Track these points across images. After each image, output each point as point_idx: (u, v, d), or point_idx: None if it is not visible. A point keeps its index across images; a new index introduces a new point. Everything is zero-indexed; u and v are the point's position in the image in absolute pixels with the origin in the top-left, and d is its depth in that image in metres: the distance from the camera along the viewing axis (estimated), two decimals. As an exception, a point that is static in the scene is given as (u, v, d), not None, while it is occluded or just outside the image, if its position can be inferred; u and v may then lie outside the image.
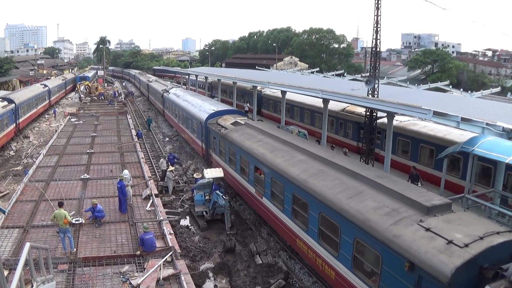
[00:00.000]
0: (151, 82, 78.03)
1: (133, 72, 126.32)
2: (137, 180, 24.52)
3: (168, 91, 54.66)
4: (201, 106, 37.22)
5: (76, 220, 18.32)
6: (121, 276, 14.24)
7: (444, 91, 51.77)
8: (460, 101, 32.17)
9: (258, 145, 22.62)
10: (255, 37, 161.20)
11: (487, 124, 17.63)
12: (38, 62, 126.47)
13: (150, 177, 25.58)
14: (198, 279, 17.94)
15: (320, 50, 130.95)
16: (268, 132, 24.24)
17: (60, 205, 16.55)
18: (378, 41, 26.79)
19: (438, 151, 22.62)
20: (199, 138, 34.55)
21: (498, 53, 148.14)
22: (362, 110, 30.23)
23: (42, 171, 26.63)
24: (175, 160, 33.05)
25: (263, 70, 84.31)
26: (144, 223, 17.43)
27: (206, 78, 63.70)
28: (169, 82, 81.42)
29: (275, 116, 45.54)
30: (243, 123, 28.35)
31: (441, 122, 20.34)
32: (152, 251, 15.68)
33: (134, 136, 37.31)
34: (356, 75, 73.50)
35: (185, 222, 24.47)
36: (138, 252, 15.69)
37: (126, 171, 22.57)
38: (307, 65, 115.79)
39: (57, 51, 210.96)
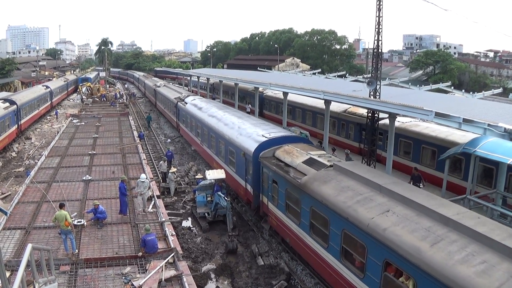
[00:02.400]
0: (159, 87, 67.61)
1: (137, 74, 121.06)
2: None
3: (183, 100, 44.88)
4: (242, 128, 26.79)
5: (78, 222, 18.34)
6: (123, 278, 14.25)
7: (446, 92, 51.85)
8: (462, 102, 32.17)
9: (389, 221, 12.58)
10: (257, 38, 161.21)
11: (489, 125, 17.62)
12: (40, 63, 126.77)
13: (152, 178, 25.61)
14: (200, 281, 17.93)
15: (322, 51, 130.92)
16: (398, 192, 13.73)
17: (61, 206, 16.56)
18: (380, 42, 26.79)
19: (440, 152, 22.60)
20: (242, 176, 24.59)
21: (499, 54, 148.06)
22: (364, 111, 30.20)
23: (44, 172, 26.66)
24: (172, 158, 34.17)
25: (265, 71, 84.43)
26: (146, 225, 17.44)
27: (208, 79, 63.72)
28: (179, 86, 77.22)
29: (277, 117, 45.55)
30: (327, 163, 17.75)
31: (443, 123, 20.35)
32: (154, 252, 15.69)
33: (136, 138, 37.34)
34: (358, 76, 73.62)
35: (187, 223, 24.47)
36: (140, 253, 15.70)
37: (143, 176, 21.08)
38: (309, 66, 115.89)
39: (59, 52, 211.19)
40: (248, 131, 25.61)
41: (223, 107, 37.96)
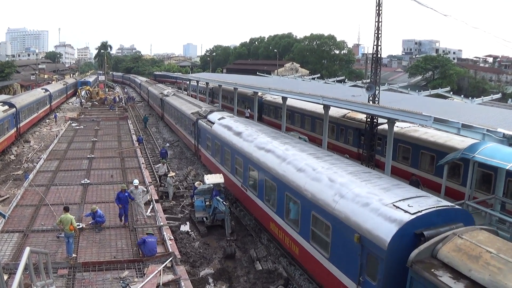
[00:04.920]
0: (167, 96, 57.48)
1: (139, 79, 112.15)
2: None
3: (206, 118, 34.40)
4: (339, 183, 15.55)
5: (77, 225, 18.32)
6: (121, 281, 14.22)
7: (445, 97, 51.89)
8: (461, 107, 32.27)
9: None
10: (256, 43, 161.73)
11: (487, 130, 17.69)
12: (39, 66, 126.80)
13: (151, 182, 25.58)
14: (198, 285, 17.89)
15: (321, 56, 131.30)
16: None
17: (66, 210, 16.50)
18: (379, 47, 26.89)
19: (439, 157, 22.61)
20: (347, 271, 14.11)
21: (499, 59, 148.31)
22: (362, 117, 30.26)
23: (42, 175, 26.63)
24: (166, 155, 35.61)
25: (264, 76, 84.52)
26: (148, 229, 17.44)
27: (207, 84, 63.81)
28: (189, 94, 69.50)
29: (276, 122, 45.57)
30: None
31: (442, 128, 20.40)
32: (151, 255, 15.66)
33: (134, 141, 37.32)
34: (357, 81, 73.71)
35: (185, 227, 24.40)
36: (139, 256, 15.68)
37: (136, 181, 20.79)
38: (308, 71, 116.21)
39: (59, 55, 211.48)
40: (357, 192, 14.42)
41: (276, 134, 25.84)
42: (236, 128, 27.53)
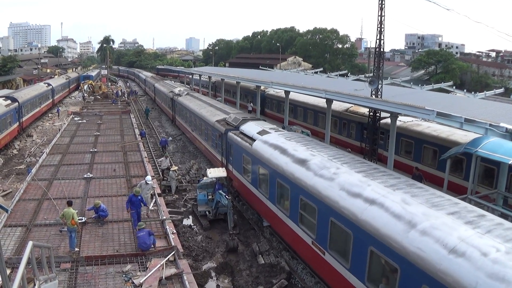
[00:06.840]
0: (180, 96, 49.82)
1: (143, 75, 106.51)
2: (140, 179, 24.53)
3: (238, 129, 26.81)
4: None
5: (79, 219, 18.35)
6: (124, 275, 14.24)
7: (447, 92, 51.75)
8: (464, 102, 32.16)
9: None
10: (258, 36, 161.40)
11: (490, 125, 17.65)
12: (42, 61, 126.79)
13: (153, 176, 25.59)
14: (201, 279, 17.96)
15: (323, 50, 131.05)
16: None
17: (69, 204, 16.56)
18: (382, 41, 26.80)
19: (442, 151, 22.58)
20: None
21: (502, 54, 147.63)
22: (365, 111, 30.22)
23: (45, 170, 26.65)
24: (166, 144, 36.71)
25: (267, 70, 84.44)
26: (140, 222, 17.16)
27: (209, 77, 63.83)
28: (210, 95, 61.86)
29: (278, 116, 45.55)
30: None
31: (445, 122, 20.36)
32: (145, 249, 15.60)
33: (137, 135, 37.32)
34: (360, 76, 73.58)
35: (188, 221, 24.49)
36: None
37: (149, 177, 20.32)
38: (310, 65, 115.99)
39: (61, 50, 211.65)
40: None
41: (366, 166, 16.91)
42: (295, 152, 19.11)
